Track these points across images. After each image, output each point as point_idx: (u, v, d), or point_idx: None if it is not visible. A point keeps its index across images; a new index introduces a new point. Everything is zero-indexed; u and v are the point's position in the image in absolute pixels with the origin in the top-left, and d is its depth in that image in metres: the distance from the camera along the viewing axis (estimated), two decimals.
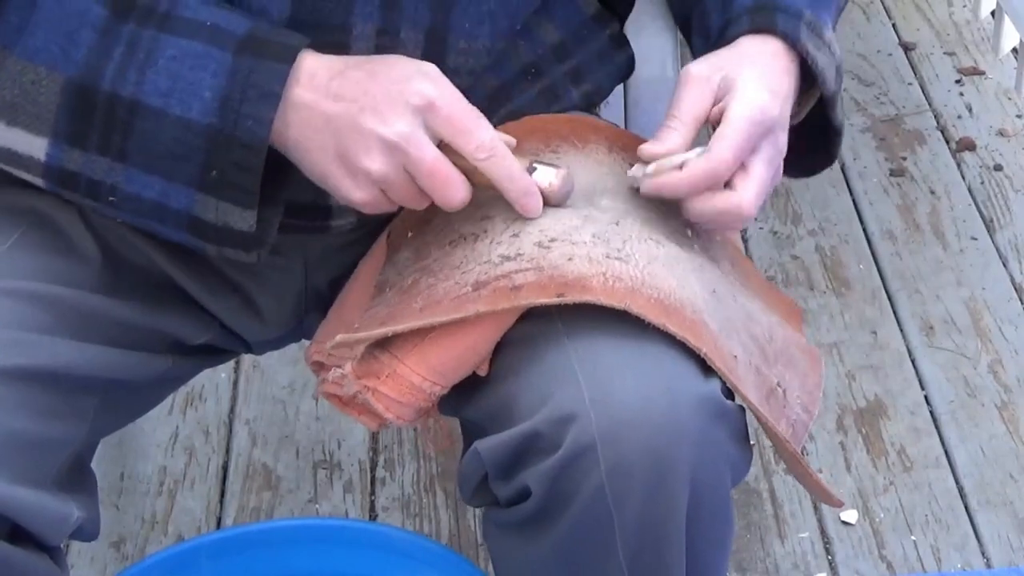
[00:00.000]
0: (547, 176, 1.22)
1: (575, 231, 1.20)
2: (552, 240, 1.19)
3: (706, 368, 1.17)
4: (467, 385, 1.22)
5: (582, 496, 1.15)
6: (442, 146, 1.18)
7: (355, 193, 1.18)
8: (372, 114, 1.16)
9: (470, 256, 1.21)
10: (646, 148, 1.23)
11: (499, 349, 1.20)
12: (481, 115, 1.19)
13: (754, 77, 1.23)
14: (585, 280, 1.16)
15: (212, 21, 1.19)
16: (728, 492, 1.20)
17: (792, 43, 1.26)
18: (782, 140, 1.25)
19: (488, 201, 1.23)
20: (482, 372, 1.21)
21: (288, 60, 1.17)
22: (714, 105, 1.23)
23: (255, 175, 1.17)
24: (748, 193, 1.21)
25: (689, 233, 1.26)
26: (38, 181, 1.23)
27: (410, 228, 1.29)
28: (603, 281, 1.16)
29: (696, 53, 1.33)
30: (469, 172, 1.19)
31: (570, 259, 1.17)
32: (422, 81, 1.17)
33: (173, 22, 1.19)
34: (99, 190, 1.21)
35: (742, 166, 1.22)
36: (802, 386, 1.27)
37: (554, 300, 1.15)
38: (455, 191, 1.18)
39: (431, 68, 1.19)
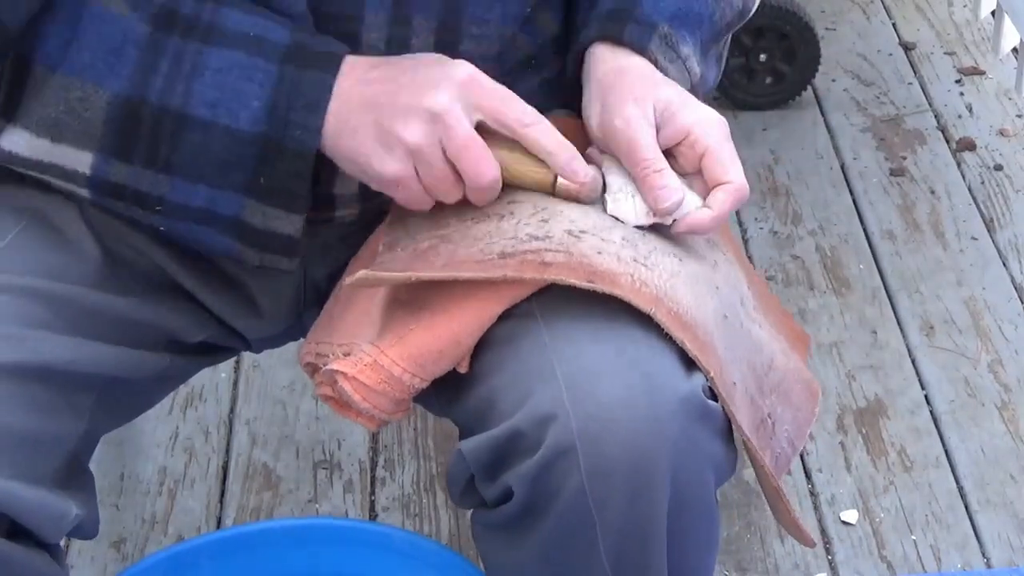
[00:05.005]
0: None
1: (605, 230, 1.20)
2: (582, 231, 1.19)
3: (688, 364, 1.17)
4: (453, 385, 1.22)
5: (563, 498, 1.15)
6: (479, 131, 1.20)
7: (388, 166, 1.19)
8: (414, 90, 1.19)
9: (494, 232, 1.20)
10: (672, 210, 1.22)
11: (481, 348, 1.20)
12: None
13: (675, 96, 1.24)
14: (615, 276, 1.16)
15: (255, 32, 1.20)
16: (712, 492, 1.20)
17: (640, 52, 1.27)
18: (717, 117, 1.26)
19: (515, 189, 1.23)
20: (462, 369, 1.21)
21: (332, 70, 1.20)
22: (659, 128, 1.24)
23: (305, 182, 1.21)
24: (737, 175, 1.23)
25: (709, 254, 1.26)
26: (83, 192, 1.24)
27: None
28: (631, 282, 1.16)
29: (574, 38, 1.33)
30: (503, 164, 1.21)
31: (599, 253, 1.17)
32: (463, 64, 1.21)
33: (216, 34, 1.20)
34: (146, 200, 1.23)
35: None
36: (793, 420, 1.26)
37: (584, 284, 1.15)
38: (486, 168, 1.19)
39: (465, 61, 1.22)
